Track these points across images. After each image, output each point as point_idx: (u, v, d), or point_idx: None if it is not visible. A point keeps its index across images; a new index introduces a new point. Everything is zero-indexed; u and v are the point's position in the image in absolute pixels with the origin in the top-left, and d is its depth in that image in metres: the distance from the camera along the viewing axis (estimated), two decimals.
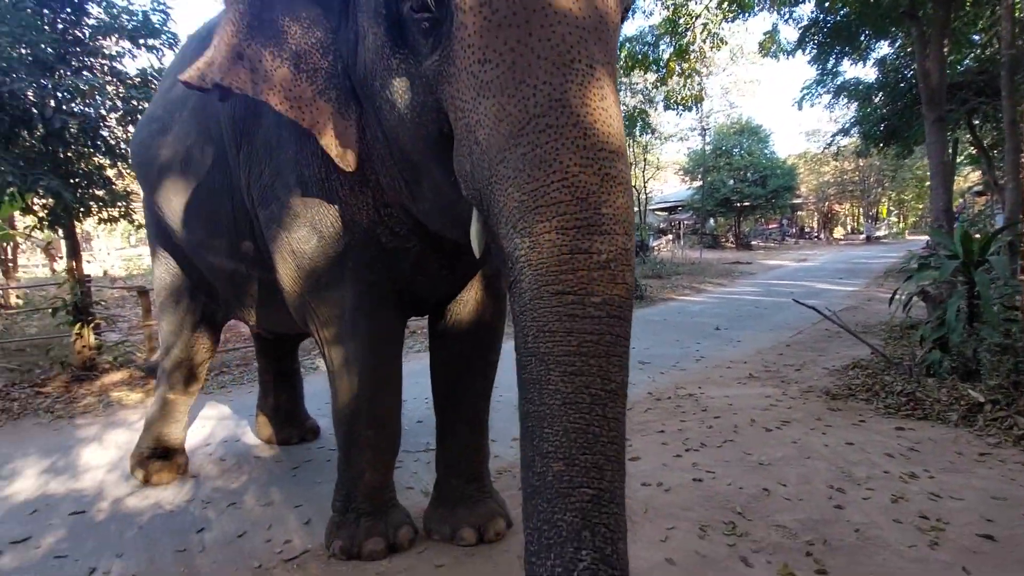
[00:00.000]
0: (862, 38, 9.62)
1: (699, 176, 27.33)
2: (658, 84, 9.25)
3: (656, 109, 12.76)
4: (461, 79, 1.10)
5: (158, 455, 3.02)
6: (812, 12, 8.56)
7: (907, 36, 9.42)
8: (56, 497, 2.83)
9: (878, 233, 34.74)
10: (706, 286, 12.74)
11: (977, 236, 4.20)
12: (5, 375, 5.23)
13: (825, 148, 24.55)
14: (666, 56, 8.72)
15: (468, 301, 2.17)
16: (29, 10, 4.82)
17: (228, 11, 1.47)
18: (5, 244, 8.10)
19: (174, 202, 2.47)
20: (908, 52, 10.73)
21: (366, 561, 2.04)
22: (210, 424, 3.99)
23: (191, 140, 2.30)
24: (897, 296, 4.54)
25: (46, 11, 5.08)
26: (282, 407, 3.46)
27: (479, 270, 2.11)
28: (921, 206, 39.05)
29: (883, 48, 11.46)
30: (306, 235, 1.86)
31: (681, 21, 8.18)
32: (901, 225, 39.79)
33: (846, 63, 11.53)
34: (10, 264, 8.80)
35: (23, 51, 4.75)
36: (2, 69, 4.48)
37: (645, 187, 23.39)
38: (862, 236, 34.72)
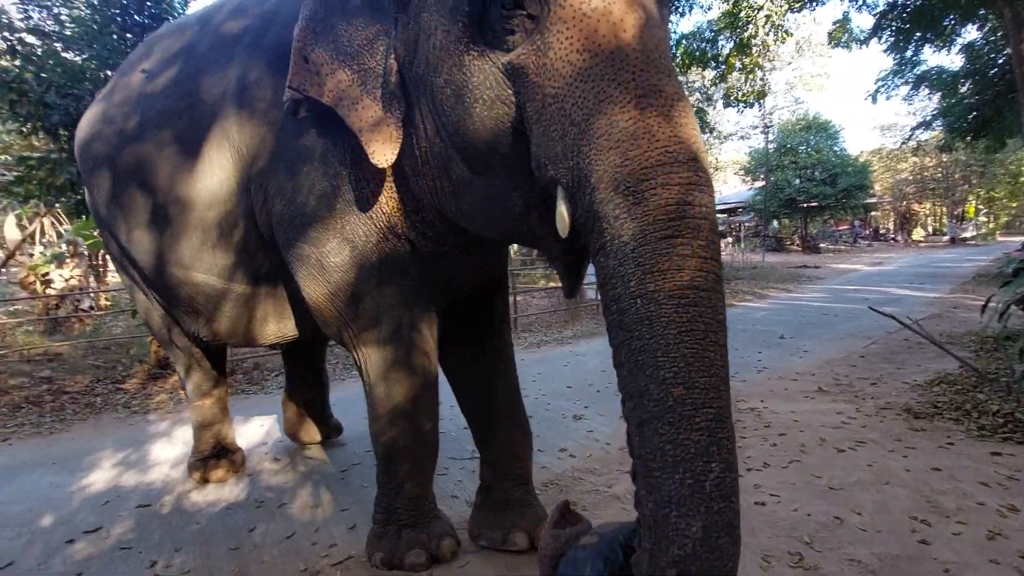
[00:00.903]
0: (946, 23, 8.86)
1: (761, 176, 26.14)
2: (717, 81, 8.87)
3: (715, 107, 12.28)
4: (556, 67, 1.21)
5: (214, 455, 3.15)
6: None
7: (999, 18, 8.60)
8: (126, 489, 3.00)
9: (964, 234, 31.90)
10: (769, 291, 12.10)
11: None
12: (92, 372, 5.66)
13: (903, 143, 22.86)
14: (726, 52, 8.37)
15: (484, 300, 2.26)
16: (115, 35, 5.21)
17: (300, 18, 1.63)
18: (96, 251, 8.85)
19: (146, 215, 2.32)
20: (1000, 36, 9.79)
21: (408, 573, 2.02)
22: (268, 423, 4.13)
23: (182, 151, 2.16)
24: (992, 304, 4.08)
25: (129, 35, 5.48)
26: (308, 404, 3.51)
27: (498, 270, 2.25)
28: (1016, 204, 35.60)
29: (970, 33, 10.53)
30: (336, 246, 1.85)
31: (742, 14, 7.83)
32: (991, 225, 36.34)
33: (927, 51, 10.70)
34: (100, 269, 9.59)
35: (109, 73, 5.14)
36: (90, 91, 4.86)
37: None
38: (945, 238, 32.05)
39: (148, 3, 5.35)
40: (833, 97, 57.08)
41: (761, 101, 8.98)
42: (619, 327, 1.14)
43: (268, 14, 2.13)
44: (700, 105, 12.37)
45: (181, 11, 5.73)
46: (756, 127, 29.73)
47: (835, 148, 26.52)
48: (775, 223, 29.06)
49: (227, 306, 2.39)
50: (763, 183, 25.77)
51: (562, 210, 1.24)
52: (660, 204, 1.09)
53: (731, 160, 31.18)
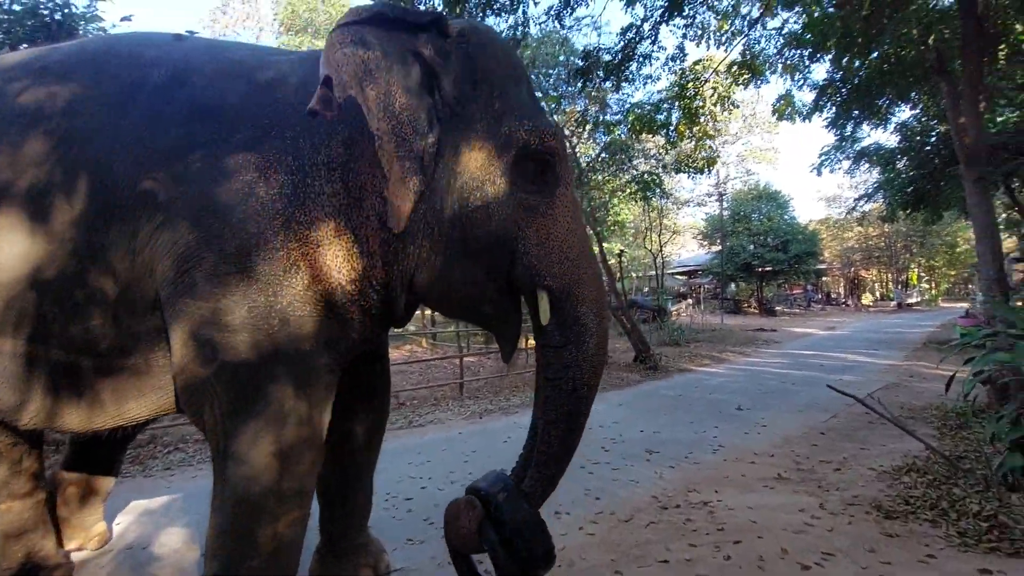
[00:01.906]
0: (881, 102, 9.28)
1: (718, 240, 26.90)
2: (668, 148, 8.94)
3: (670, 174, 12.48)
4: (559, 220, 1.78)
5: (25, 572, 2.39)
6: (828, 73, 8.27)
7: (931, 97, 9.04)
8: None
9: (910, 300, 33.31)
10: (727, 355, 11.86)
11: None
12: None
13: (847, 214, 24.09)
14: (675, 120, 8.45)
15: (366, 368, 2.28)
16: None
17: (349, 44, 1.67)
18: None
19: None
20: (931, 115, 10.34)
21: None
22: (126, 520, 3.34)
23: (48, 181, 1.79)
24: (961, 380, 3.76)
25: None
26: (82, 493, 2.82)
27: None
28: (953, 272, 37.65)
29: (904, 112, 11.13)
30: (247, 306, 1.63)
31: (689, 85, 7.95)
32: (934, 292, 38.21)
33: (865, 128, 11.22)
34: None
35: None
36: None
37: (661, 251, 22.90)
38: (893, 303, 33.32)
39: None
40: (782, 168, 60.78)
41: (711, 169, 9.02)
42: (568, 391, 1.76)
43: (179, 66, 1.94)
44: (655, 172, 12.55)
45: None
46: (711, 195, 31.08)
47: (785, 216, 27.72)
48: (732, 286, 29.72)
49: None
50: (720, 247, 26.48)
51: (545, 306, 1.75)
52: (605, 327, 1.84)
53: (689, 224, 32.18)
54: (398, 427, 5.83)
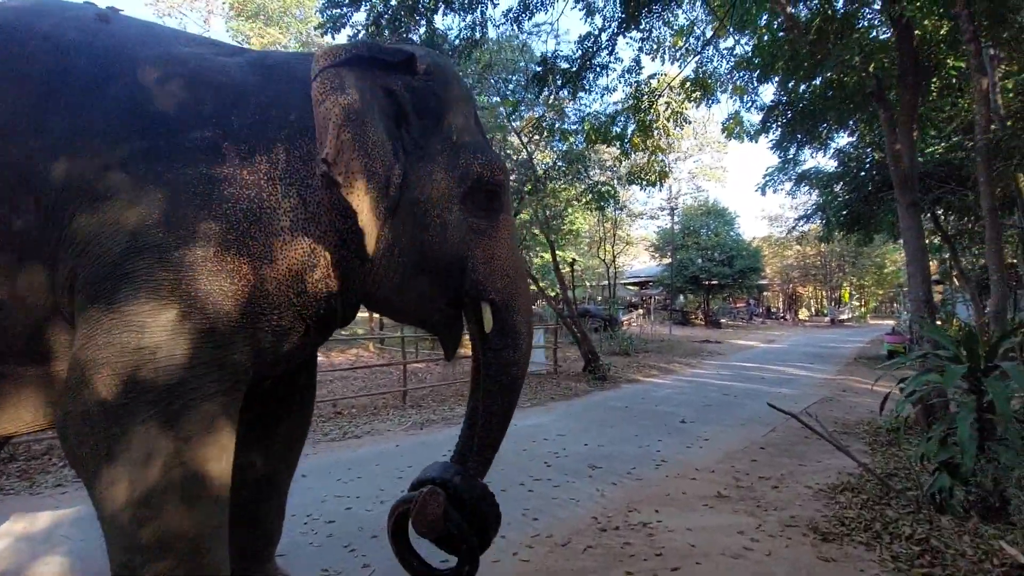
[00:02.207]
0: (822, 128, 9.69)
1: (668, 253, 27.61)
2: (622, 159, 8.98)
3: (624, 186, 12.63)
4: (501, 241, 2.01)
5: None
6: (775, 95, 8.54)
7: (868, 125, 9.50)
8: None
9: (842, 316, 35.26)
10: (675, 366, 12.05)
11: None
12: None
13: (788, 232, 25.27)
14: (630, 131, 8.50)
15: (299, 382, 2.25)
16: None
17: (336, 99, 1.71)
18: None
19: None
20: (867, 143, 10.89)
21: None
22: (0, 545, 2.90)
23: None
24: (894, 398, 3.82)
25: None
26: None
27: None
28: (881, 291, 40.21)
29: (842, 139, 11.70)
30: (173, 311, 1.50)
31: (643, 98, 8.00)
32: (863, 309, 40.67)
33: (807, 152, 11.71)
34: None
35: None
36: None
37: (615, 261, 23.25)
38: (827, 318, 35.16)
39: None
40: (730, 186, 63.40)
41: (663, 183, 9.12)
42: (507, 386, 2.03)
43: (107, 56, 1.70)
44: (610, 183, 12.65)
45: None
46: (664, 209, 31.90)
47: (732, 233, 28.83)
48: (681, 298, 30.54)
49: None
50: (670, 260, 27.19)
51: (488, 316, 1.96)
52: (531, 334, 2.14)
53: (641, 237, 32.91)
54: (331, 439, 5.48)
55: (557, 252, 11.76)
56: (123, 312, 1.47)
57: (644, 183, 9.05)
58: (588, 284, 30.86)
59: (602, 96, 17.05)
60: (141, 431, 1.45)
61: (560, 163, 12.06)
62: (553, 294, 15.48)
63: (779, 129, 9.35)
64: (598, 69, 7.65)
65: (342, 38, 8.93)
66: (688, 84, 8.00)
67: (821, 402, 7.64)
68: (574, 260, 20.54)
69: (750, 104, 9.14)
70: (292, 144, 1.71)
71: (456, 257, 1.90)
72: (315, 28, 9.30)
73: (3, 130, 1.55)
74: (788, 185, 13.93)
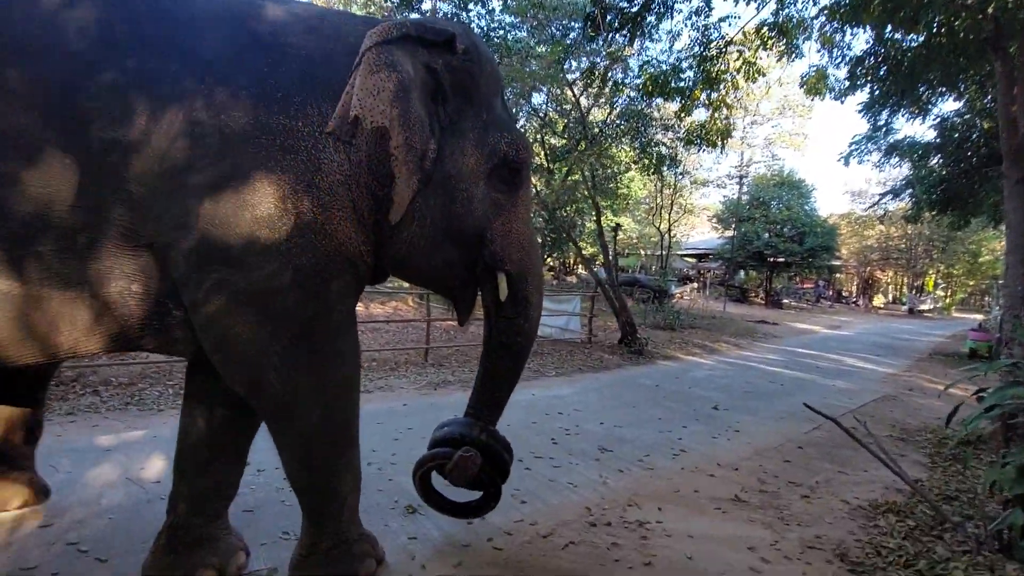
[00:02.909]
0: (922, 89, 8.39)
1: (732, 225, 25.94)
2: (680, 115, 8.12)
3: (687, 149, 11.64)
4: (519, 215, 2.14)
5: None
6: (867, 46, 7.39)
7: (980, 87, 8.12)
8: None
9: (922, 306, 32.30)
10: (721, 346, 11.32)
11: None
12: None
13: (870, 208, 22.96)
14: (694, 84, 7.64)
15: None
16: None
17: (392, 66, 1.81)
18: None
19: None
20: (977, 108, 9.39)
21: None
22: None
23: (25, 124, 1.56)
24: (969, 406, 3.19)
25: None
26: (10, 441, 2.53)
27: None
28: (972, 282, 36.39)
29: (947, 104, 10.18)
30: (292, 268, 1.73)
31: (712, 44, 7.12)
32: (948, 300, 37.04)
33: (901, 120, 10.29)
34: None
35: None
36: None
37: (671, 230, 22.03)
38: (904, 307, 32.35)
39: None
40: (809, 157, 58.59)
41: (724, 144, 8.19)
42: (516, 352, 2.23)
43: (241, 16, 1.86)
44: (671, 143, 11.72)
45: None
46: (732, 177, 29.88)
47: (806, 207, 26.67)
48: (741, 273, 28.89)
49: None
50: (733, 233, 25.54)
51: (504, 286, 2.10)
52: (541, 301, 2.31)
53: (703, 206, 31.12)
54: None
55: (610, 217, 11.11)
56: (294, 238, 1.71)
57: (702, 144, 8.19)
58: (643, 253, 29.74)
59: (671, 45, 15.51)
60: (332, 340, 1.87)
61: (618, 121, 11.22)
62: (600, 261, 14.85)
63: (871, 88, 8.18)
64: (661, 9, 6.83)
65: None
66: (764, 30, 7.01)
67: (881, 400, 6.86)
68: (618, 226, 19.57)
69: (839, 59, 8.01)
70: (333, 101, 1.78)
71: (478, 229, 2.03)
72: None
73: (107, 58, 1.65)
74: (876, 156, 12.46)
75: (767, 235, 25.56)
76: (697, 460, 4.07)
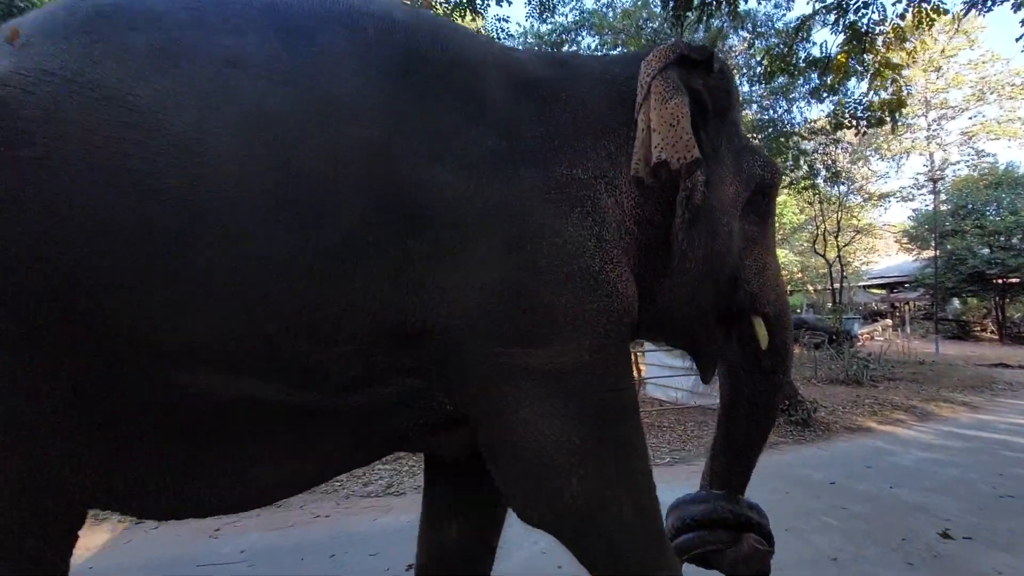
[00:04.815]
0: None
1: (931, 244, 20.63)
2: (824, 95, 5.96)
3: (844, 145, 8.98)
4: (770, 249, 1.88)
5: None
6: None
7: None
8: None
9: None
10: (939, 407, 7.96)
11: None
12: None
13: None
14: (833, 50, 5.57)
15: None
16: None
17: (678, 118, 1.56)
18: None
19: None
20: None
21: None
22: None
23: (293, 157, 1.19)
24: None
25: None
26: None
27: None
28: None
29: None
30: (601, 348, 1.42)
31: None
32: None
33: None
34: None
35: None
36: None
37: (839, 257, 18.01)
38: None
39: None
40: None
41: (898, 119, 5.74)
42: (770, 411, 1.90)
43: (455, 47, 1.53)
44: (824, 146, 9.23)
45: None
46: (921, 185, 24.44)
47: None
48: (955, 302, 22.76)
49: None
50: (934, 252, 20.24)
51: (763, 332, 1.80)
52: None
53: (885, 224, 25.69)
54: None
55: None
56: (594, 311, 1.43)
57: (863, 125, 5.85)
58: (811, 289, 25.20)
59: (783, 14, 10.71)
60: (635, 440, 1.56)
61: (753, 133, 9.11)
62: None
63: None
64: None
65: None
66: None
67: None
68: None
69: None
70: (599, 143, 1.54)
71: (733, 268, 1.77)
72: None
73: (371, 102, 1.31)
74: None
75: (986, 250, 19.83)
76: None
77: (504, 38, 7.21)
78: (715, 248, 1.69)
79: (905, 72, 5.50)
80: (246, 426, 1.23)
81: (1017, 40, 4.98)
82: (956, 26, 5.75)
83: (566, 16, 8.52)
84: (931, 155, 24.45)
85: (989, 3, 5.27)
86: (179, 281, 1.07)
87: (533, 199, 1.38)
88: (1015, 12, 4.96)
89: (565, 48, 8.43)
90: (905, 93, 5.40)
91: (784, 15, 7.27)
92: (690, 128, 1.48)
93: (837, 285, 18.86)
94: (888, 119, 5.55)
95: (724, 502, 1.91)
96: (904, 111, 5.78)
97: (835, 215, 17.87)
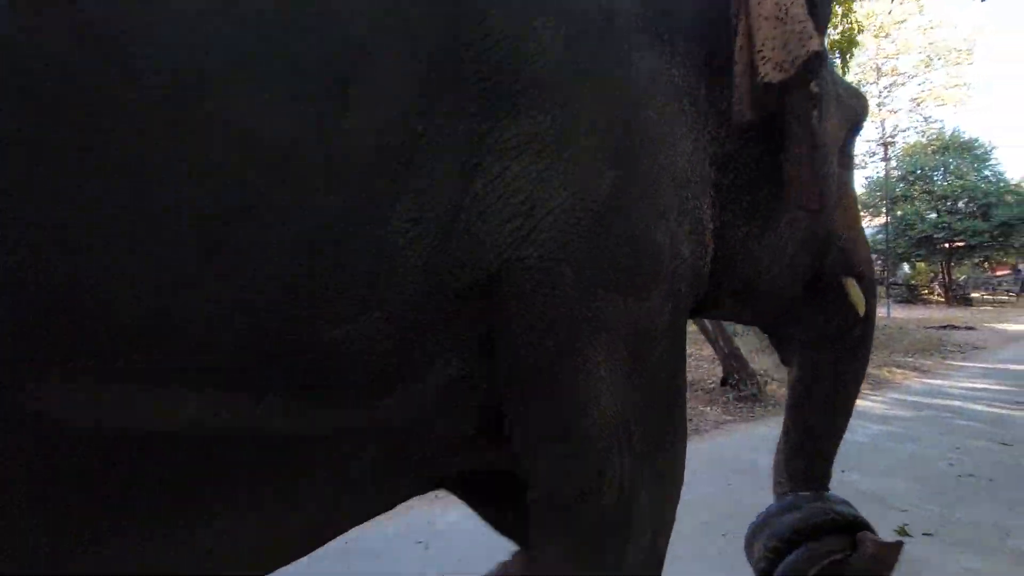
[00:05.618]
0: None
1: (882, 210, 20.89)
2: None
3: None
4: (853, 198, 1.61)
5: None
6: None
7: None
8: None
9: None
10: (891, 372, 7.72)
11: None
12: None
13: None
14: None
15: None
16: None
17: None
18: None
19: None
20: None
21: None
22: None
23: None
24: None
25: None
26: None
27: None
28: None
29: None
30: (669, 306, 1.13)
31: None
32: None
33: None
34: None
35: None
36: None
37: None
38: None
39: None
40: (976, 110, 47.83)
41: (850, 55, 5.20)
42: (854, 389, 1.64)
43: None
44: None
45: None
46: (873, 154, 24.78)
47: (986, 173, 20.91)
48: (905, 267, 23.34)
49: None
50: (885, 219, 20.51)
51: (859, 295, 1.49)
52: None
53: None
54: None
55: None
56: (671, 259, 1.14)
57: None
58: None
59: None
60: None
61: None
62: None
63: None
64: None
65: None
66: None
67: None
68: None
69: None
70: (690, 45, 1.20)
71: (828, 220, 1.45)
72: None
73: None
74: None
75: (934, 215, 20.24)
76: None
77: None
78: (826, 196, 1.36)
79: (856, 8, 4.95)
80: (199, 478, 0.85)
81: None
82: None
83: None
84: (882, 122, 24.72)
85: None
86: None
87: (644, 97, 1.07)
88: None
89: None
90: (856, 31, 4.86)
91: None
92: (806, 15, 1.10)
93: None
94: (848, 54, 5.02)
95: (820, 503, 1.61)
96: (855, 49, 5.24)
97: None
